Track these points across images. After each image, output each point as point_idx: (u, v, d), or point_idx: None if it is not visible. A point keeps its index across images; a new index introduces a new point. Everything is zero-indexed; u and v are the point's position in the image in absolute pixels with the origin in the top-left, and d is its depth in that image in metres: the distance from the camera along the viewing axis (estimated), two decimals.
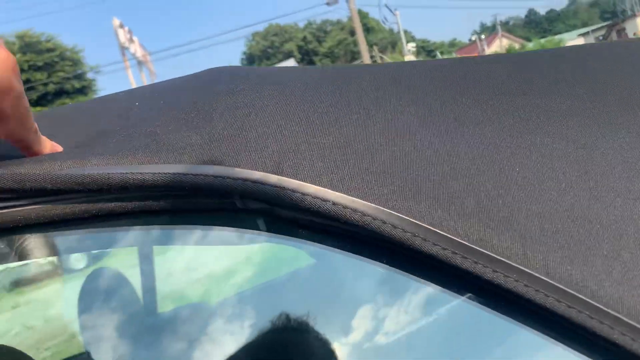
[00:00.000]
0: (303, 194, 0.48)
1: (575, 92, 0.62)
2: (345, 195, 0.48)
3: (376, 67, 0.73)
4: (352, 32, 50.32)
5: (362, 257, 0.51)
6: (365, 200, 0.47)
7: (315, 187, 0.48)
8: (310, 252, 0.58)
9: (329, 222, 0.50)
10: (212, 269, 0.66)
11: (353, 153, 0.51)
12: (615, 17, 43.86)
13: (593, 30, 36.85)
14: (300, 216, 0.51)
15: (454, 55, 43.40)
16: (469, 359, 0.53)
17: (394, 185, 0.48)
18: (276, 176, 0.49)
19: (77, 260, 0.83)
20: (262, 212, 0.53)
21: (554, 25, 57.22)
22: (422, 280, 0.49)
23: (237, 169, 0.50)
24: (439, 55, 43.11)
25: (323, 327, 0.60)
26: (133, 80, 22.83)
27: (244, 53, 54.47)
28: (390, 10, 26.06)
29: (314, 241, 0.53)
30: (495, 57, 0.79)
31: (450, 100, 0.61)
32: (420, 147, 0.53)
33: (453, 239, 0.45)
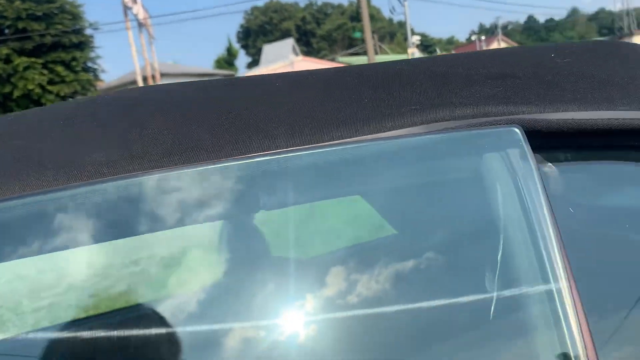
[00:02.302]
0: None
1: None
2: None
3: None
4: (352, 18, 50.12)
5: None
6: None
7: None
8: None
9: None
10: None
11: None
12: (612, 34, 44.41)
13: None
14: None
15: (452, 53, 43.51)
16: None
17: None
18: None
19: None
20: None
21: (551, 34, 57.82)
22: None
23: None
24: (438, 52, 43.24)
25: None
26: (133, 41, 22.46)
27: (242, 26, 53.86)
28: (399, 1, 26.03)
29: None
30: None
31: None
32: None
33: None
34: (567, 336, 0.55)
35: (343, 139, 0.61)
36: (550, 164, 0.68)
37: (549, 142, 0.68)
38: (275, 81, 0.79)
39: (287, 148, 0.60)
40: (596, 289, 0.67)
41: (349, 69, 0.86)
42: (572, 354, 0.54)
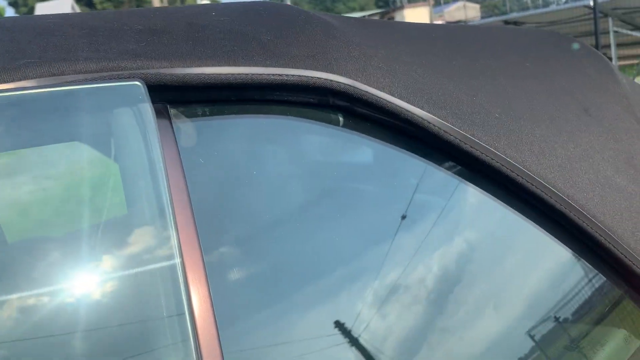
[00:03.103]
0: (379, 97, 0.75)
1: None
2: (410, 105, 0.76)
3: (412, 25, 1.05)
4: None
5: (405, 150, 0.80)
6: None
7: (389, 95, 0.76)
8: (375, 143, 0.78)
9: (398, 123, 0.77)
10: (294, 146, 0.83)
11: (408, 79, 0.78)
12: (387, 6, 48.75)
13: (368, 16, 40.56)
14: (372, 113, 0.77)
15: None
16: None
17: (449, 110, 0.78)
18: (365, 85, 0.75)
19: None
20: (344, 109, 0.78)
21: (335, 4, 61.27)
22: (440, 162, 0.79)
23: (340, 76, 0.75)
24: None
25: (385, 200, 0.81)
26: None
27: None
28: None
29: (378, 136, 0.79)
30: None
31: (455, 58, 0.90)
32: (452, 87, 0.83)
33: (465, 135, 0.76)
34: (184, 293, 0.57)
35: None
36: (185, 118, 0.71)
37: (184, 97, 0.71)
38: None
39: None
40: (222, 245, 0.71)
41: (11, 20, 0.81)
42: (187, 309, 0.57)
